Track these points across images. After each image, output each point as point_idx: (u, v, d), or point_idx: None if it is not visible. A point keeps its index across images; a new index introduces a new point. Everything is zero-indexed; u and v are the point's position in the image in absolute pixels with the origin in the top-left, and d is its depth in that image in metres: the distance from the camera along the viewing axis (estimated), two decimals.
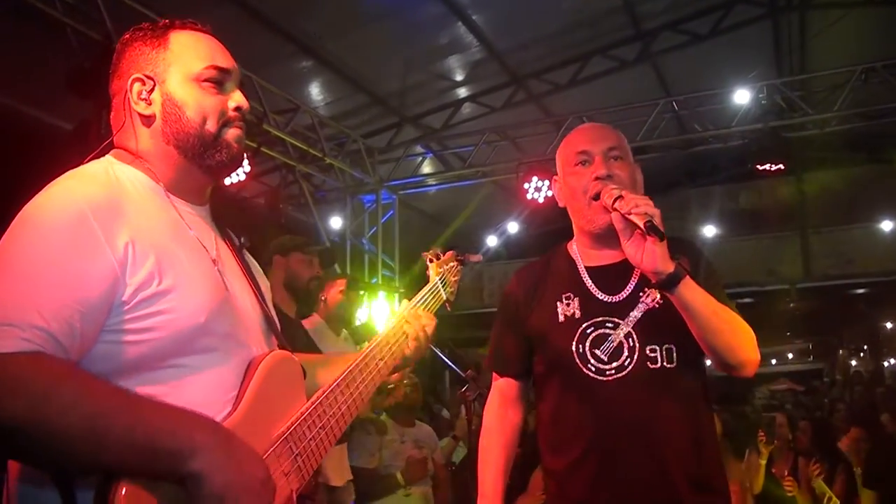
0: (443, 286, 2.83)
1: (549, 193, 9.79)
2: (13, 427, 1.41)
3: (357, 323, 6.42)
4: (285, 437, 1.84)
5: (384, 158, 11.26)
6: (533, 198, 9.85)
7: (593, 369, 2.51)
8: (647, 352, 2.50)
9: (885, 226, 14.37)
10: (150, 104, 1.84)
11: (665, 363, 2.50)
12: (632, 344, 2.51)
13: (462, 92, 10.84)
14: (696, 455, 2.48)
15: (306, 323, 4.93)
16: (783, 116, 9.39)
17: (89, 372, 1.56)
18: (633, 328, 2.53)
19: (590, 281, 2.65)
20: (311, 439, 1.91)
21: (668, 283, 2.34)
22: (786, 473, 6.62)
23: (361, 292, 9.61)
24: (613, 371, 2.50)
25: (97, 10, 6.55)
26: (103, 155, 1.86)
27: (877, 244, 14.37)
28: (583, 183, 2.62)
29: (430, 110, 11.01)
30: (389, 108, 10.69)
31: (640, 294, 2.56)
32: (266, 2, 7.82)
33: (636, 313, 2.55)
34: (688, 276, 2.34)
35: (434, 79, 10.35)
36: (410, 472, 5.56)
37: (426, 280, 2.84)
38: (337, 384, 2.05)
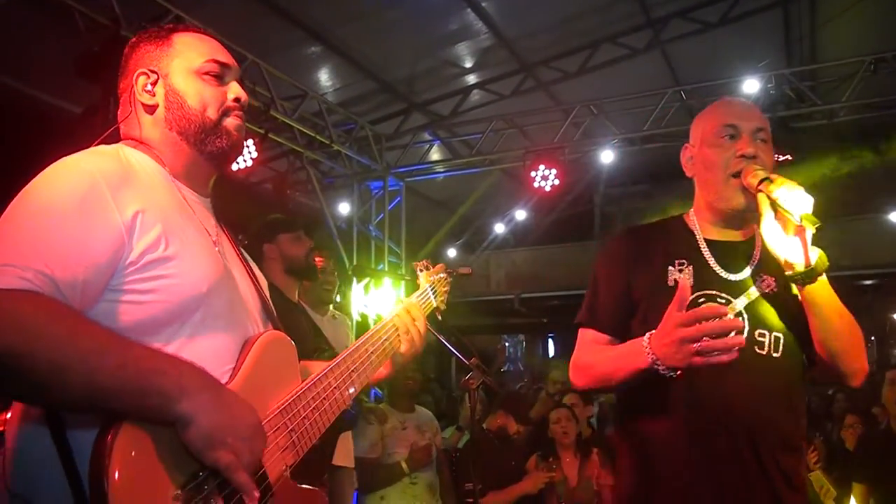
0: (433, 294, 2.91)
1: (556, 182, 9.77)
2: (6, 359, 1.44)
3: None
4: (281, 411, 1.89)
5: (391, 145, 11.25)
6: (539, 186, 9.84)
7: None
8: (756, 335, 2.40)
9: (894, 217, 14.33)
10: (153, 95, 1.95)
11: (772, 351, 2.40)
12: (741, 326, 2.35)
13: (471, 79, 10.82)
14: (791, 450, 2.39)
15: None
16: (791, 107, 9.36)
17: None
18: (744, 308, 2.41)
19: (708, 252, 2.54)
20: (305, 418, 1.96)
21: (804, 277, 2.25)
22: None
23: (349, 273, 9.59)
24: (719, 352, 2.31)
25: None
26: (110, 142, 1.94)
27: (885, 235, 14.33)
28: (724, 157, 2.49)
29: (439, 97, 10.99)
30: (398, 94, 10.68)
31: (757, 278, 2.47)
32: None
33: (751, 295, 2.44)
34: (824, 273, 2.26)
35: (443, 65, 10.33)
36: (415, 460, 5.57)
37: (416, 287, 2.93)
38: (331, 369, 2.12)
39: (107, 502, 1.45)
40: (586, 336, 2.67)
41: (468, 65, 10.42)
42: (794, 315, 2.37)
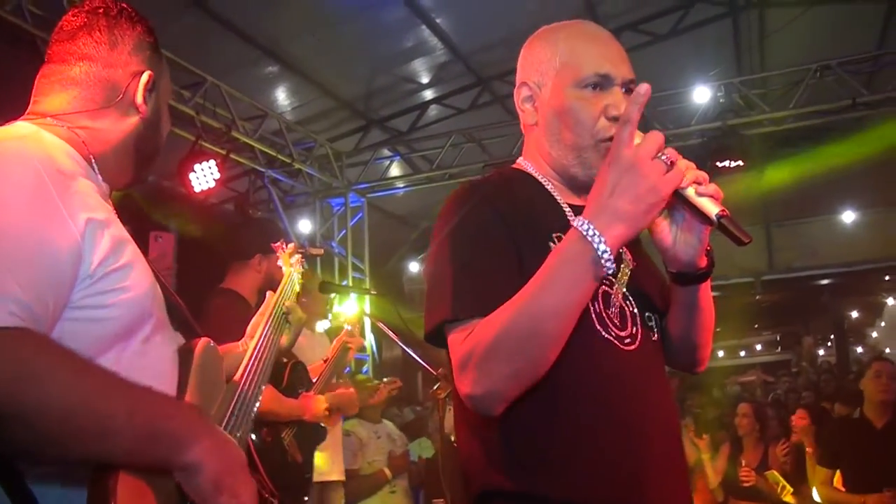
0: (296, 277, 2.97)
1: None
2: (10, 409, 1.30)
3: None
4: (226, 422, 1.94)
5: (352, 162, 11.32)
6: None
7: (613, 335, 1.85)
8: (647, 320, 1.96)
9: (846, 217, 14.64)
10: (145, 103, 1.86)
11: (658, 335, 2.00)
12: (632, 309, 1.93)
13: (428, 94, 10.91)
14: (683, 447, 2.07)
15: None
16: (741, 114, 9.55)
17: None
18: (626, 289, 1.94)
19: None
20: (238, 418, 2.01)
21: (692, 279, 1.87)
22: (742, 464, 6.73)
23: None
24: (629, 340, 1.88)
25: None
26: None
27: (839, 236, 14.62)
28: (591, 115, 1.93)
29: (397, 113, 11.04)
30: (356, 111, 10.73)
31: (621, 250, 1.94)
32: (230, 7, 7.84)
33: (625, 272, 1.95)
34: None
35: (400, 82, 10.41)
36: (395, 466, 5.71)
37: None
38: (246, 370, 2.21)
39: None
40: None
41: (425, 80, 10.51)
42: (657, 292, 2.02)
